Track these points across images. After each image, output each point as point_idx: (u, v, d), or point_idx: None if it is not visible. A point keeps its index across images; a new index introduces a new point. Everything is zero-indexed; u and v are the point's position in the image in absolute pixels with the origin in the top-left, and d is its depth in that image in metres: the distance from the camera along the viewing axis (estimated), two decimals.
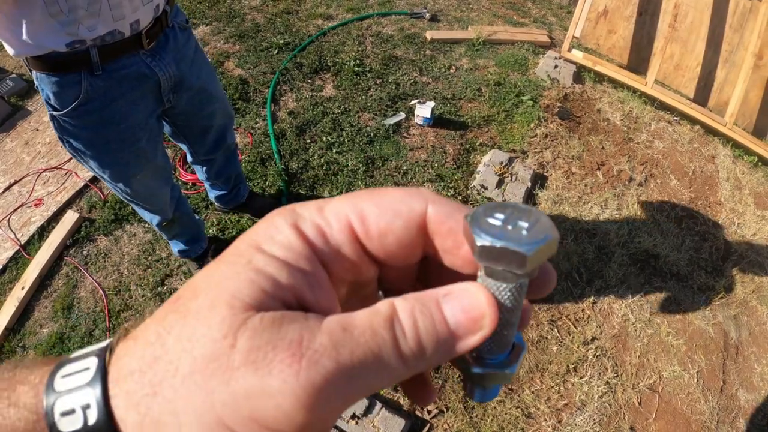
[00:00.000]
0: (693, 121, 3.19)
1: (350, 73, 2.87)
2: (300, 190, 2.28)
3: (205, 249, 1.95)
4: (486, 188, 2.29)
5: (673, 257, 2.42)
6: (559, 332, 2.03)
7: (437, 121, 2.62)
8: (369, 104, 2.71)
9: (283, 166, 2.34)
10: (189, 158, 1.79)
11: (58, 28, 0.95)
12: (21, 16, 0.90)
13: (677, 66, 3.54)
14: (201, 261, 1.95)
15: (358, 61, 2.96)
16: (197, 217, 1.93)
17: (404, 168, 2.38)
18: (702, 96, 3.55)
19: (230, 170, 1.89)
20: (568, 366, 1.96)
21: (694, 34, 3.53)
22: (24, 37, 0.94)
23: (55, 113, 1.10)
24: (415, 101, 2.62)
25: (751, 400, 2.19)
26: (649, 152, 2.81)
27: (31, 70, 1.05)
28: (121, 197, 1.44)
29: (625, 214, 2.50)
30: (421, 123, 2.59)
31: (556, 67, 3.07)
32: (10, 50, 0.98)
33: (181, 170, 2.31)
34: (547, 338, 2.00)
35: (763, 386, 2.26)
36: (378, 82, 2.87)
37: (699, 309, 2.32)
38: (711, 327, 2.29)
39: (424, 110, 2.54)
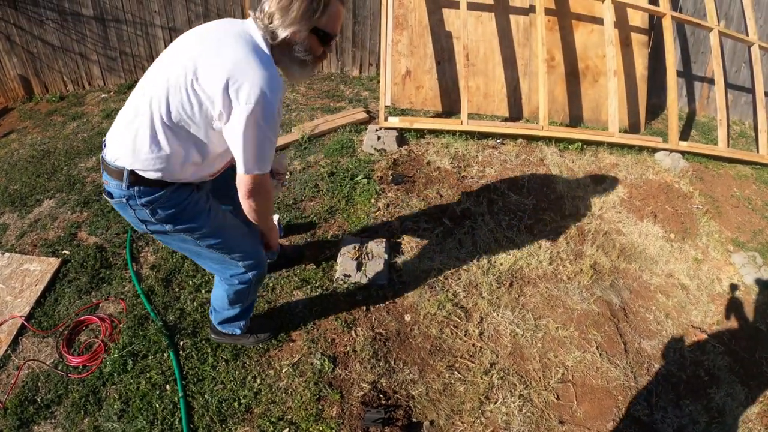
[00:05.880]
0: (514, 137, 3.97)
1: None
2: (184, 339, 2.58)
3: None
4: (349, 276, 2.77)
5: (534, 263, 3.02)
6: (459, 373, 2.48)
7: (288, 230, 3.13)
8: None
9: (161, 322, 2.64)
10: None
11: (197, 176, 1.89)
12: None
13: (486, 95, 4.42)
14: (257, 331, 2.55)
15: None
16: None
17: (271, 284, 2.80)
18: (516, 111, 4.43)
19: None
20: (479, 398, 2.39)
21: (490, 63, 4.45)
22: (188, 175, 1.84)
23: (155, 205, 1.81)
24: None
25: (657, 344, 2.80)
26: (483, 181, 3.51)
27: (140, 197, 1.78)
28: (228, 248, 2.05)
29: (480, 245, 3.11)
30: None
31: (379, 138, 3.74)
32: (160, 175, 1.76)
33: (67, 356, 2.52)
34: (451, 383, 2.43)
35: (662, 328, 2.90)
36: None
37: (575, 295, 2.90)
38: (593, 304, 2.88)
39: None
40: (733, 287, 3.22)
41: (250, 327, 2.52)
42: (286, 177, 2.14)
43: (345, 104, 4.41)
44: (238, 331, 2.47)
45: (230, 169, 2.21)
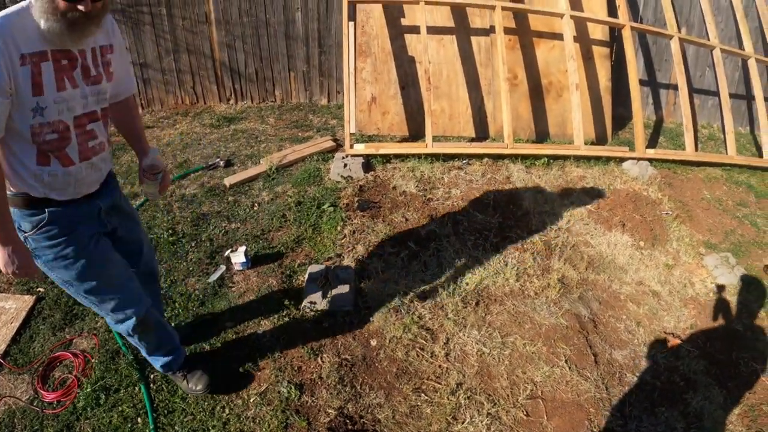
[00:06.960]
0: (480, 156, 4.09)
1: (167, 245, 3.39)
2: (155, 372, 2.63)
3: (186, 358, 2.54)
4: (315, 303, 2.86)
5: (500, 281, 3.11)
6: (426, 394, 2.54)
7: (255, 260, 3.22)
8: (191, 268, 3.23)
9: (132, 356, 2.72)
10: None
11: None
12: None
13: (451, 116, 4.55)
14: (186, 371, 2.51)
15: (170, 231, 3.51)
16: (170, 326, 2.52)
17: (238, 316, 2.88)
18: (481, 131, 4.56)
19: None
20: (446, 419, 2.45)
21: (453, 85, 4.60)
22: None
23: (26, 234, 1.78)
24: (228, 251, 3.18)
25: (628, 354, 2.86)
26: (449, 203, 3.62)
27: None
28: (97, 296, 2.03)
29: (445, 267, 3.21)
30: (241, 268, 3.16)
31: (345, 165, 3.86)
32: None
33: (42, 392, 2.57)
34: (417, 405, 2.50)
35: (633, 336, 2.96)
36: (193, 244, 3.41)
37: (543, 310, 2.98)
38: (561, 318, 2.95)
39: (238, 257, 3.11)
40: (707, 290, 3.29)
41: (186, 375, 2.55)
42: (168, 176, 2.24)
43: (313, 133, 4.54)
44: (161, 369, 2.53)
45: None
